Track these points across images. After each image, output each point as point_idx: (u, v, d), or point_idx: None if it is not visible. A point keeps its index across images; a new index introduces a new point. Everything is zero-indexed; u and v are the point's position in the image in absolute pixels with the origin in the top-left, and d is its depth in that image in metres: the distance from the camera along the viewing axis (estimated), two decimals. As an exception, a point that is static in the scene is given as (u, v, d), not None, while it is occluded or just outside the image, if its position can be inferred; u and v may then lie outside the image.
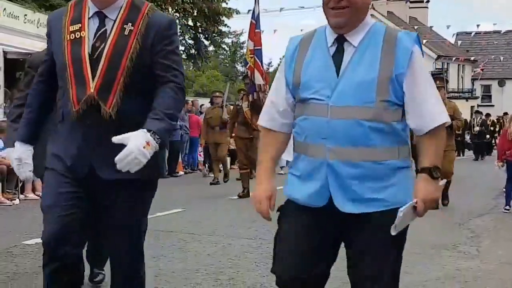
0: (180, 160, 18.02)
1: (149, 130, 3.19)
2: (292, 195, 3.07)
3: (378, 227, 2.89)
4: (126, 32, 3.37)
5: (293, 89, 3.04)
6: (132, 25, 3.37)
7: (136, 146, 3.11)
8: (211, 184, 14.67)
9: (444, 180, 2.92)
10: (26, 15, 15.88)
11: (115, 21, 3.40)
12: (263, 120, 3.21)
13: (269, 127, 3.17)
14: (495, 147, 27.98)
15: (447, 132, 11.13)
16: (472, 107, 40.75)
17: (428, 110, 2.92)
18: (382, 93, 2.85)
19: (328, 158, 2.90)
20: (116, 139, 3.14)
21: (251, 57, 12.15)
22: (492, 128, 31.05)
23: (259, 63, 12.17)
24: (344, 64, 2.91)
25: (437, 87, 11.29)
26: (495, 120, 32.23)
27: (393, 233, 2.80)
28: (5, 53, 14.66)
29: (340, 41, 2.96)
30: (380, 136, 2.88)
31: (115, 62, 3.33)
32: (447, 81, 12.19)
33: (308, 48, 3.04)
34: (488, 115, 31.99)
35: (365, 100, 2.85)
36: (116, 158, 3.11)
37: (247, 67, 12.49)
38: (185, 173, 18.06)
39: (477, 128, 28.91)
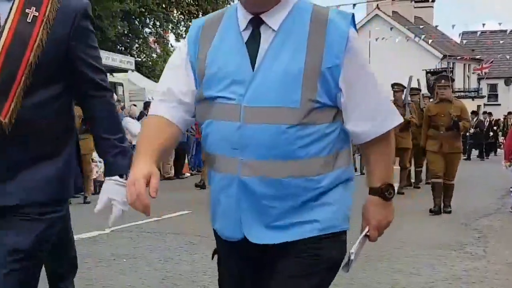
0: (186, 162, 18.04)
1: (121, 176, 2.76)
2: (213, 225, 2.44)
3: (308, 257, 2.27)
4: (29, 19, 2.61)
5: (196, 82, 2.36)
6: (36, 10, 2.63)
7: (123, 205, 2.73)
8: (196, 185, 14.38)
9: (396, 185, 2.37)
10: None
11: (12, 4, 2.63)
12: (160, 109, 2.39)
13: (169, 118, 2.36)
14: (502, 146, 27.77)
15: (454, 133, 10.73)
16: (478, 106, 40.64)
17: (376, 111, 2.28)
18: (309, 90, 2.19)
19: (240, 174, 2.23)
20: (98, 211, 2.75)
21: None
22: (495, 128, 30.63)
23: None
24: (261, 54, 2.24)
25: (443, 86, 10.87)
26: (502, 120, 31.83)
27: (345, 271, 2.37)
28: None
29: (256, 23, 2.28)
30: (310, 143, 2.22)
31: (15, 56, 2.59)
32: (452, 80, 11.82)
33: (215, 33, 2.34)
34: (490, 114, 31.57)
35: (289, 98, 2.18)
36: (110, 224, 2.77)
37: None
38: (191, 174, 18.07)
39: (471, 130, 28.40)
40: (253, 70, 2.23)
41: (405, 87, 14.18)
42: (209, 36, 2.35)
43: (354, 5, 31.74)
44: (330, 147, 2.27)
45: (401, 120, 2.35)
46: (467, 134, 28.28)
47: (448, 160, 10.58)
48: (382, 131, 2.30)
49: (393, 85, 13.92)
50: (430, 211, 10.46)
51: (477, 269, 6.54)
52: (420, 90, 15.78)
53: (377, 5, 43.80)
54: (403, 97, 13.80)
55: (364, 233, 2.38)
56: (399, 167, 13.51)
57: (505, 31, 45.63)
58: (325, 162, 2.26)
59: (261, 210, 2.25)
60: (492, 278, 6.21)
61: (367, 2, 42.44)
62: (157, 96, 2.45)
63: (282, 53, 2.23)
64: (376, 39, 39.09)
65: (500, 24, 37.85)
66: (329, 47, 2.21)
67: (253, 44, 2.27)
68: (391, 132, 2.34)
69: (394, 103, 13.23)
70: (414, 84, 15.68)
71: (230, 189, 2.27)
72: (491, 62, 48.38)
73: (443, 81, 11.13)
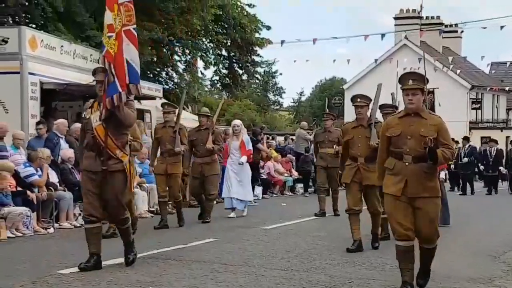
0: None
1: None
2: None
3: None
4: None
5: None
6: None
7: None
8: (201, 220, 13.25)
9: None
10: (62, 46, 16.16)
11: None
12: None
13: None
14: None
15: (426, 166, 6.58)
16: (507, 137, 40.27)
17: None
18: None
19: None
20: None
21: (110, 37, 7.66)
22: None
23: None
24: None
25: (411, 89, 6.87)
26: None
27: None
28: (41, 83, 14.90)
29: None
30: None
31: None
32: (427, 81, 6.83)
33: None
34: (496, 142, 26.58)
35: None
36: None
37: (103, 53, 7.95)
38: (217, 202, 18.03)
39: (465, 159, 24.04)
40: None
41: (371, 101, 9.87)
42: None
43: (383, 35, 31.83)
44: None
45: None
46: (459, 163, 23.67)
47: (419, 209, 6.53)
48: None
49: (354, 98, 9.74)
50: None
51: (506, 303, 6.44)
52: (396, 108, 10.52)
53: (405, 35, 43.78)
54: (368, 113, 9.66)
55: None
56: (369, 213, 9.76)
57: (535, 62, 45.49)
58: None
59: None
60: (522, 312, 6.12)
61: (395, 32, 42.48)
62: None
63: None
64: (404, 69, 39.04)
65: (529, 55, 37.49)
66: None
67: None
68: None
69: (357, 125, 9.52)
70: (388, 100, 11.39)
71: None
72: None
73: (410, 81, 6.64)
